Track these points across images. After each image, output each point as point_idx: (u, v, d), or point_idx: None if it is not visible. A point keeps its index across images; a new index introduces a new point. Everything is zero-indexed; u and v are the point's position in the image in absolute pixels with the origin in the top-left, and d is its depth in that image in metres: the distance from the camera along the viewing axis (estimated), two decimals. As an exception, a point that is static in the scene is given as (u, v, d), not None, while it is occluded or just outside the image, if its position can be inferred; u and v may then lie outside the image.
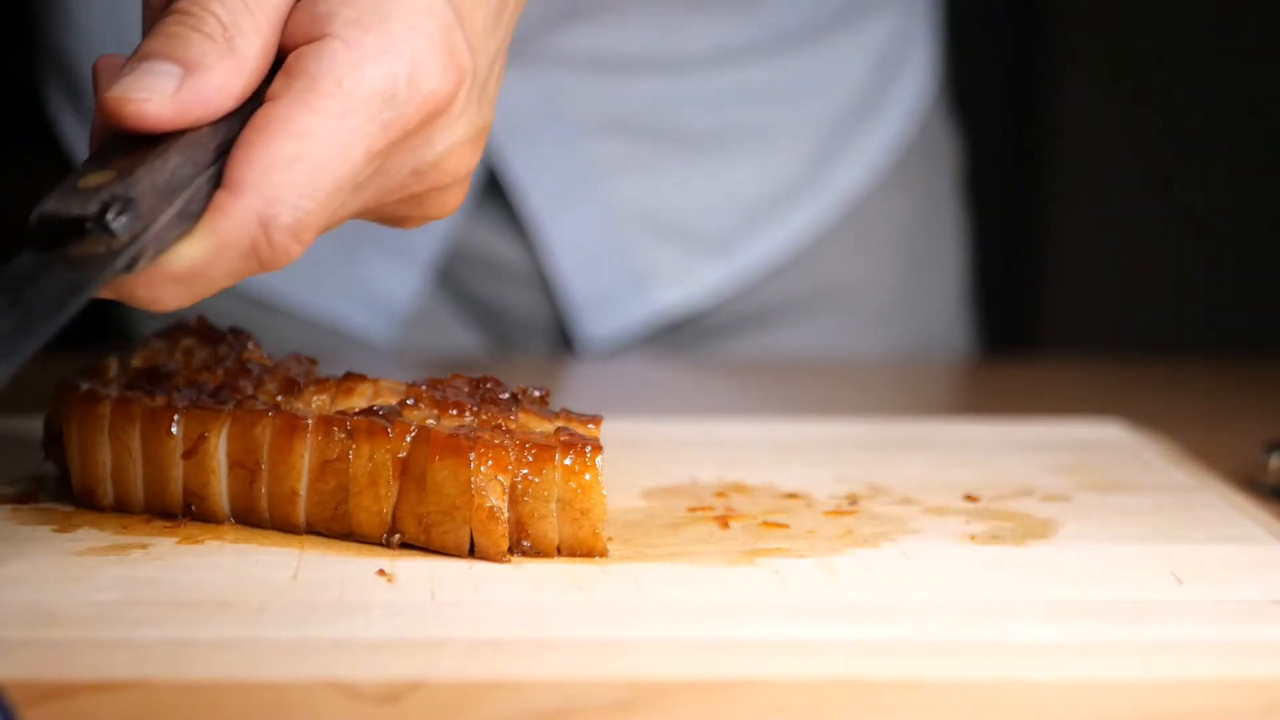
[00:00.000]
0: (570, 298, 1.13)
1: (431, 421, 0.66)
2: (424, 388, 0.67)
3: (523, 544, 0.65)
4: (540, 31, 1.07)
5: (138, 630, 0.56)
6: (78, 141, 1.15)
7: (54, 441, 0.70)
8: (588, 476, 0.64)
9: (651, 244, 1.14)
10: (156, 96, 0.60)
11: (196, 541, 0.65)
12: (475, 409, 0.66)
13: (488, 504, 0.64)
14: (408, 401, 0.67)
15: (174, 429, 0.66)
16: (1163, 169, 2.40)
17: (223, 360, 0.71)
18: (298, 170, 0.61)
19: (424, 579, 0.62)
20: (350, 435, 0.65)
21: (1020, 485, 0.77)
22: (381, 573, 0.62)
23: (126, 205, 0.58)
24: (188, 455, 0.66)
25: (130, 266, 0.59)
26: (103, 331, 1.16)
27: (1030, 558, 0.66)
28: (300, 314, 1.11)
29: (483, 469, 0.63)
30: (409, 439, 0.64)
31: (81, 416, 0.68)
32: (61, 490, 0.70)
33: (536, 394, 0.68)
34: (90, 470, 0.68)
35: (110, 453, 0.67)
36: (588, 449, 0.64)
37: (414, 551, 0.64)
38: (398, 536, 0.65)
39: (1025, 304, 2.45)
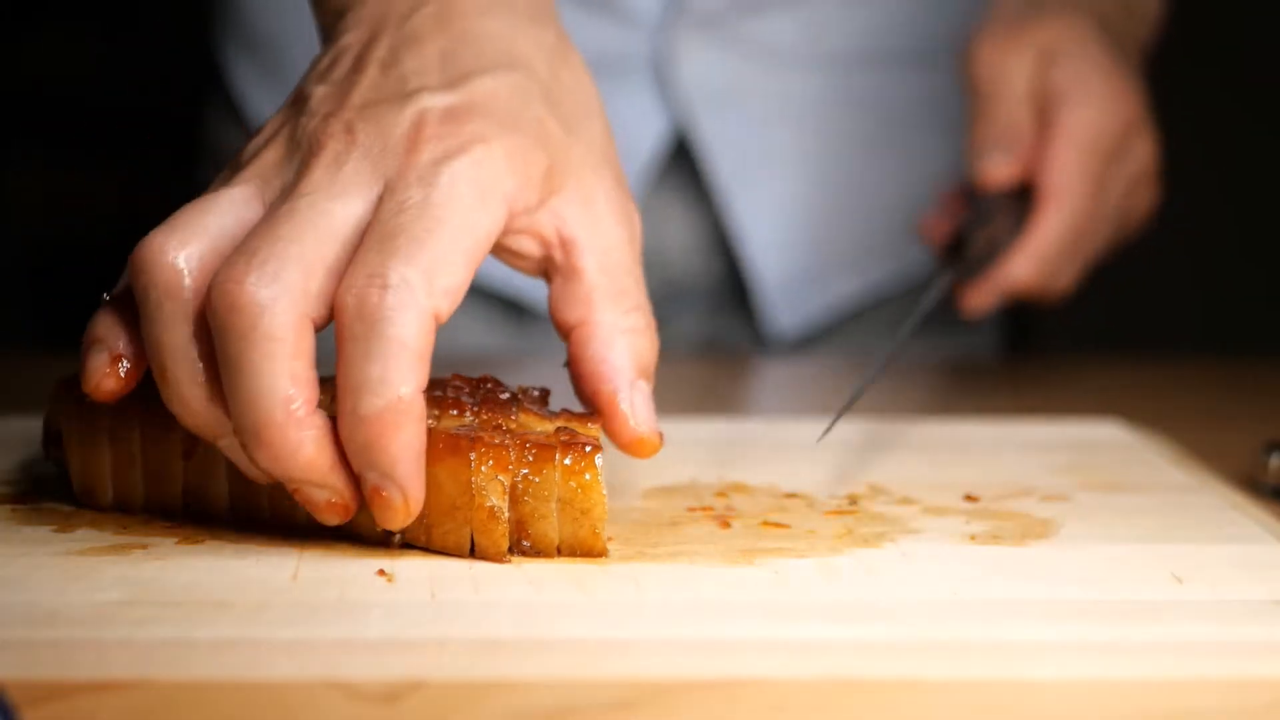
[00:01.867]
0: (759, 283, 1.15)
1: (430, 421, 0.66)
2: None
3: (523, 544, 0.65)
4: (732, 12, 1.09)
5: (138, 630, 0.56)
6: (263, 113, 1.17)
7: (54, 441, 0.70)
8: (588, 476, 0.64)
9: (830, 235, 1.17)
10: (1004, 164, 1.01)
11: (196, 541, 0.65)
12: (476, 409, 0.66)
13: (488, 504, 0.64)
14: None
15: (174, 428, 0.66)
16: (1162, 168, 2.40)
17: None
18: (1078, 153, 1.02)
19: (424, 579, 0.62)
20: None
21: (1020, 485, 0.77)
22: (381, 573, 0.62)
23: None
24: (187, 456, 0.66)
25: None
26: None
27: (1030, 558, 0.66)
28: (502, 294, 1.15)
29: (483, 469, 0.63)
30: None
31: (81, 417, 0.68)
32: (61, 490, 0.70)
33: (536, 394, 0.68)
34: (90, 470, 0.68)
35: (110, 453, 0.67)
36: (588, 448, 0.64)
37: (414, 551, 0.64)
38: (398, 536, 0.65)
39: (1026, 304, 2.44)
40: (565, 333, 0.68)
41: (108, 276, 0.67)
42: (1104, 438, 0.86)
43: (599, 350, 0.67)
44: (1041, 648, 0.56)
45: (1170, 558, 0.66)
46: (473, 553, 0.64)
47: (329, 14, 0.70)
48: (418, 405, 0.60)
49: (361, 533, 0.65)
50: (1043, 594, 0.62)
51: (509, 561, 0.64)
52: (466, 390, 0.67)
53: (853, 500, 0.73)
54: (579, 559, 0.64)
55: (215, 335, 0.60)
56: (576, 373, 0.68)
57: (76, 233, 2.41)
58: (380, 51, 0.67)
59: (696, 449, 0.81)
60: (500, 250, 0.68)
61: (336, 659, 0.54)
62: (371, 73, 0.66)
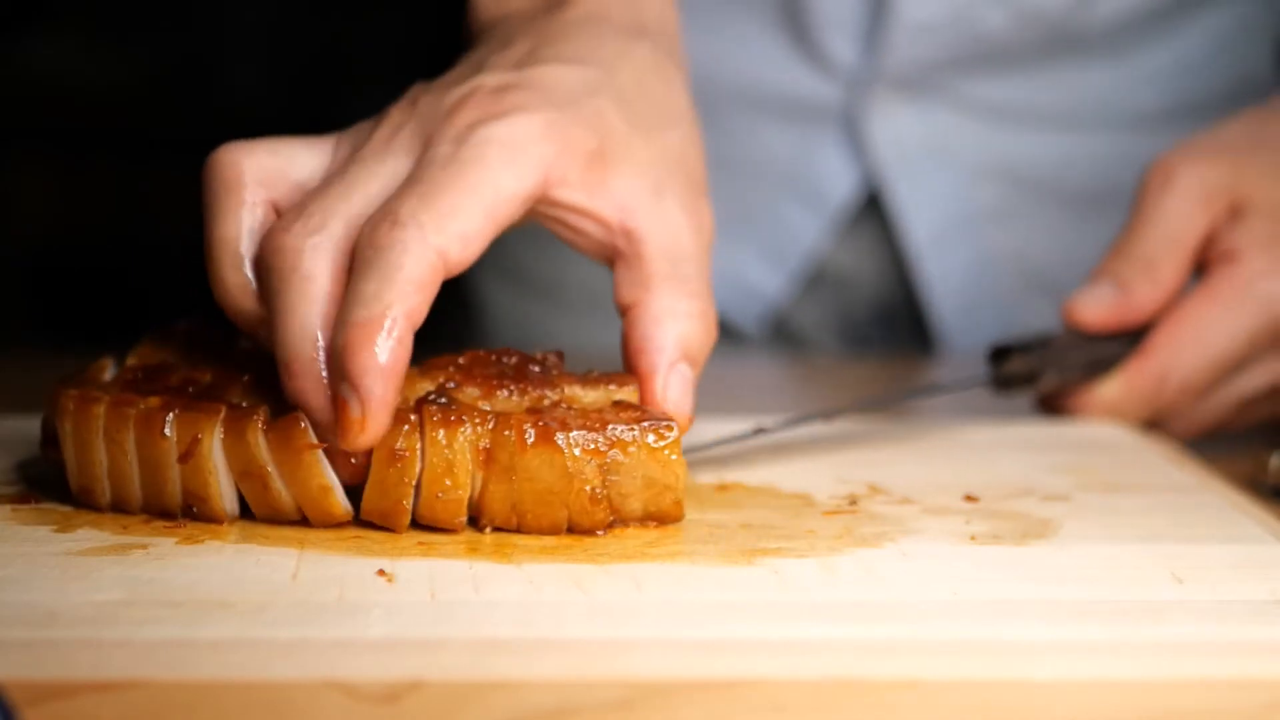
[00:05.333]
0: (946, 342, 1.14)
1: (484, 405, 0.67)
2: (450, 369, 0.68)
3: (609, 518, 0.67)
4: (940, 70, 1.07)
5: (138, 630, 0.56)
6: None
7: (51, 442, 0.70)
8: (670, 454, 0.67)
9: (1026, 297, 1.14)
10: (1101, 306, 0.86)
11: (196, 541, 0.65)
12: (518, 385, 0.67)
13: (587, 488, 0.65)
14: (449, 385, 0.67)
15: (167, 431, 0.66)
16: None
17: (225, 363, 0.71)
18: (1196, 349, 0.85)
19: (424, 579, 0.62)
20: (419, 426, 0.65)
21: (1020, 485, 0.77)
22: (381, 573, 0.62)
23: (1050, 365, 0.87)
24: (183, 459, 0.66)
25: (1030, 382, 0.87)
26: (101, 332, 1.16)
27: (1030, 558, 0.66)
28: None
29: (577, 454, 0.65)
30: (489, 427, 0.65)
31: (76, 417, 0.67)
32: (61, 490, 0.70)
33: (554, 359, 0.69)
34: (87, 470, 0.68)
35: (106, 454, 0.67)
36: (665, 428, 0.66)
37: (414, 551, 0.64)
38: (488, 525, 0.66)
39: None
40: (623, 314, 0.70)
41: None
42: (1104, 438, 0.86)
43: (646, 329, 0.69)
44: (1041, 648, 0.56)
45: (1170, 558, 0.66)
46: (569, 530, 0.66)
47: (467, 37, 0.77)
48: (400, 327, 0.63)
49: (439, 523, 0.66)
50: (1043, 594, 0.62)
51: (597, 536, 0.66)
52: (494, 365, 0.68)
53: (853, 500, 0.73)
54: (579, 560, 0.64)
55: (263, 275, 0.66)
56: (625, 350, 0.70)
57: (76, 233, 2.41)
58: (478, 54, 0.72)
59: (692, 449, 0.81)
60: (561, 228, 0.70)
61: (336, 659, 0.54)
62: (461, 67, 0.71)
